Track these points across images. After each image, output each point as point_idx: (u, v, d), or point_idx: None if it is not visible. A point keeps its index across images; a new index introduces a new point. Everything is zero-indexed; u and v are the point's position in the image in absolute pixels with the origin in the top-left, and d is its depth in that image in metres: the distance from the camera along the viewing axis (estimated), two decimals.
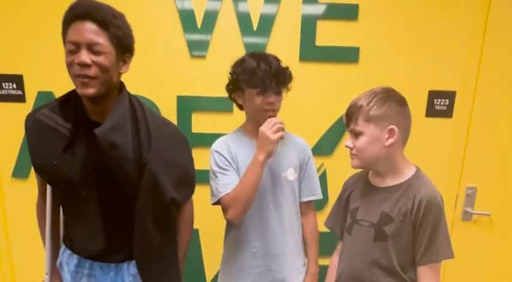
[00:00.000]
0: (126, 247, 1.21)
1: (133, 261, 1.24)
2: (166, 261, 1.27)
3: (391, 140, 1.16)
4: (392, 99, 1.17)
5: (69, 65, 1.04)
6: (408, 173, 1.22)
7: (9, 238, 2.14)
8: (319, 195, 1.59)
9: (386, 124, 1.15)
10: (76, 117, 1.11)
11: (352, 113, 1.20)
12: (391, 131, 1.16)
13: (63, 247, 1.29)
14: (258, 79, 1.36)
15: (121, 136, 1.08)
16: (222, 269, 1.61)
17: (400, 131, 1.16)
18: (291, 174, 1.50)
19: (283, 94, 1.45)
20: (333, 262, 1.45)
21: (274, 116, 1.41)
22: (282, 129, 1.33)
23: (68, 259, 1.26)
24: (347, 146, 1.24)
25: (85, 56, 1.01)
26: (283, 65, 1.43)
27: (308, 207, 1.61)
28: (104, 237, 1.18)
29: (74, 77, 1.05)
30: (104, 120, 1.08)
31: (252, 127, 1.48)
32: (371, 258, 1.23)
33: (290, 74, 1.44)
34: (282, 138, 1.33)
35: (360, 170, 1.38)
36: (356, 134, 1.20)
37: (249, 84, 1.39)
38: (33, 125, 1.12)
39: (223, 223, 1.61)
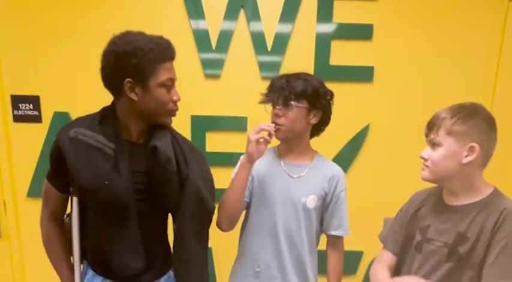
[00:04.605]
0: (157, 263, 1.27)
1: (161, 279, 1.29)
2: (201, 269, 1.32)
3: (469, 158, 1.10)
4: (480, 117, 1.11)
5: (166, 103, 1.17)
6: (485, 192, 1.16)
7: (24, 259, 2.14)
8: (345, 232, 1.50)
9: (467, 141, 1.09)
10: (117, 137, 1.15)
11: (434, 123, 1.15)
12: (471, 149, 1.09)
13: (91, 273, 1.27)
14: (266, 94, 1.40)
15: (171, 152, 1.17)
16: (230, 279, 1.60)
17: (482, 151, 1.10)
18: (311, 202, 1.44)
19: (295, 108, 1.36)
20: (377, 270, 1.33)
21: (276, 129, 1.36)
22: (269, 133, 1.32)
23: None
24: (422, 157, 1.18)
25: (178, 94, 1.21)
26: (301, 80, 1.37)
27: (334, 241, 1.53)
28: (144, 254, 1.21)
29: (167, 111, 1.19)
30: (152, 139, 1.16)
31: (281, 145, 1.50)
32: (441, 279, 1.16)
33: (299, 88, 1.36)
34: (268, 141, 1.33)
35: (430, 186, 1.32)
36: (434, 145, 1.15)
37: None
38: (71, 145, 1.11)
39: (236, 242, 1.59)
